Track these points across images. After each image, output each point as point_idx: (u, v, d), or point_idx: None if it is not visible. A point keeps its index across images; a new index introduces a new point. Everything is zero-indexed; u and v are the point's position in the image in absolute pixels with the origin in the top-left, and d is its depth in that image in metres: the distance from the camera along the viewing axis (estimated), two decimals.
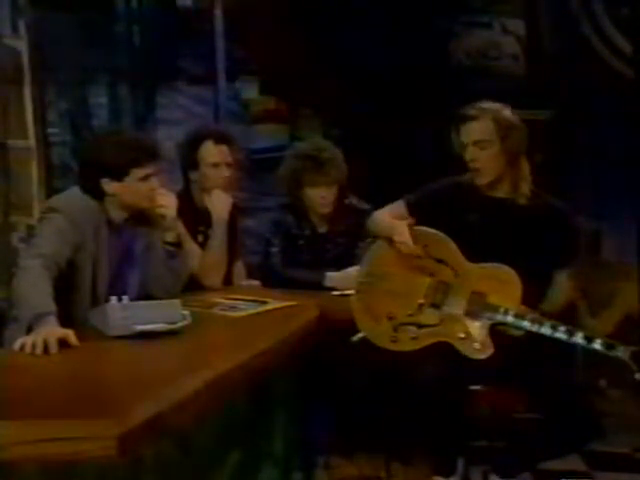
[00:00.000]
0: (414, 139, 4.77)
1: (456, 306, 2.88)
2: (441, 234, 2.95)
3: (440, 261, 2.93)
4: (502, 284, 2.83)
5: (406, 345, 2.88)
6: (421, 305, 2.90)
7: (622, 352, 2.64)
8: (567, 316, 2.93)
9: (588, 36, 4.89)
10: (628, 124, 4.53)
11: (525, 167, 3.01)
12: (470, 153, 2.97)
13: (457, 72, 5.04)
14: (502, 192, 3.01)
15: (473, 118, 2.97)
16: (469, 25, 5.13)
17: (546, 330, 2.73)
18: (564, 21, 4.95)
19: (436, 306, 2.90)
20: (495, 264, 2.86)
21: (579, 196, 4.60)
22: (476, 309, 2.84)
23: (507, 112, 3.00)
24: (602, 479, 3.74)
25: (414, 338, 2.88)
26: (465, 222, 2.99)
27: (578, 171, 4.79)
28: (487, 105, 3.00)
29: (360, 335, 2.94)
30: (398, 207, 3.12)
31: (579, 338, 2.70)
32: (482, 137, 2.95)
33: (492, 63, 5.09)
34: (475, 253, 2.90)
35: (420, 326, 2.89)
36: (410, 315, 2.90)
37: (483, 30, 5.12)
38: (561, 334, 2.72)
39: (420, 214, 3.04)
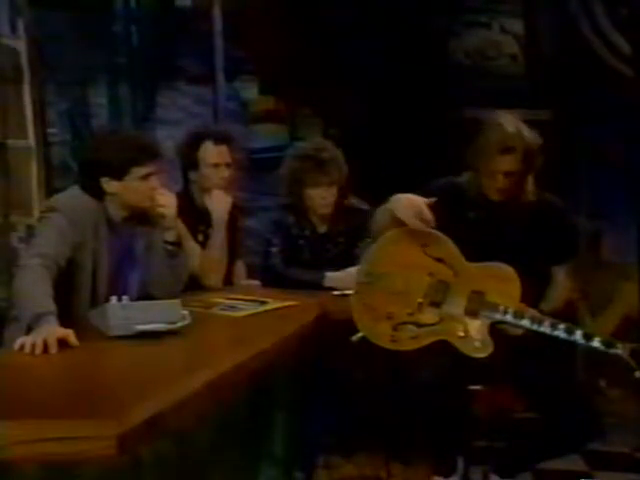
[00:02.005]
0: (414, 139, 4.77)
1: (456, 305, 2.88)
2: (439, 233, 2.95)
3: (439, 260, 2.93)
4: (501, 283, 2.83)
5: (406, 344, 2.88)
6: (420, 304, 2.90)
7: (621, 349, 2.64)
8: (567, 316, 2.93)
9: (587, 36, 4.89)
10: (628, 124, 4.53)
11: (531, 177, 3.01)
12: (500, 182, 2.95)
13: (456, 72, 5.04)
14: (503, 194, 3.01)
15: (511, 150, 2.92)
16: (468, 25, 5.13)
17: (545, 328, 2.74)
18: (563, 21, 4.95)
19: (436, 305, 2.90)
20: (494, 263, 2.86)
21: (579, 196, 4.60)
22: (476, 308, 2.84)
23: (533, 138, 2.97)
24: (602, 479, 3.74)
25: (414, 337, 2.88)
26: (464, 221, 2.99)
27: (578, 171, 4.79)
28: (515, 130, 2.94)
29: (360, 335, 2.94)
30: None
31: (578, 336, 2.70)
32: (513, 169, 2.93)
33: (491, 63, 5.09)
34: (475, 252, 2.90)
35: (420, 325, 2.89)
36: (410, 314, 2.90)
37: (482, 30, 5.12)
38: (560, 332, 2.72)
39: None
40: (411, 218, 2.90)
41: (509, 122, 2.98)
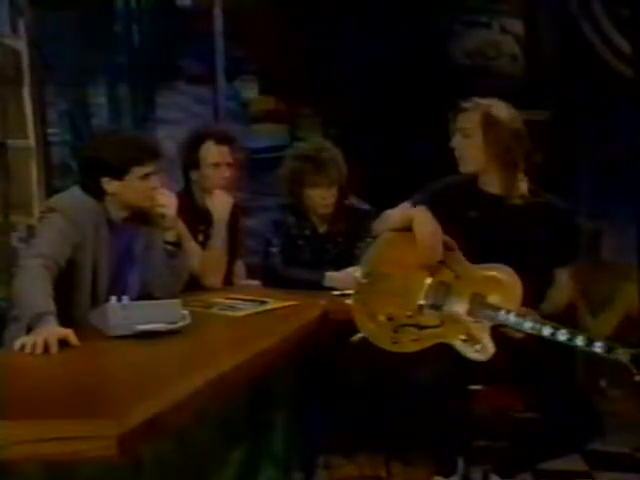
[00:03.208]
0: (413, 139, 4.77)
1: (457, 307, 2.87)
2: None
3: (440, 261, 2.93)
4: (502, 285, 2.82)
5: (407, 347, 2.87)
6: (421, 306, 2.90)
7: (622, 355, 2.64)
8: (567, 316, 2.92)
9: (587, 36, 4.88)
10: (628, 124, 4.53)
11: (521, 168, 3.02)
12: (455, 140, 3.02)
13: (456, 71, 5.04)
14: (498, 189, 3.02)
15: (464, 109, 3.03)
16: (468, 25, 5.13)
17: (547, 332, 2.73)
18: (563, 21, 4.95)
19: (436, 307, 2.89)
20: (495, 265, 2.85)
21: (579, 196, 4.60)
22: (477, 310, 2.83)
23: (500, 109, 3.02)
24: (602, 479, 3.74)
25: (415, 340, 2.87)
26: (466, 221, 2.99)
27: (578, 171, 4.79)
28: (482, 100, 3.05)
29: (360, 335, 2.93)
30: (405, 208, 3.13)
31: (579, 341, 2.69)
32: (466, 125, 3.01)
33: (491, 63, 5.09)
34: (476, 252, 2.89)
35: (420, 327, 2.88)
36: (410, 316, 2.89)
37: (482, 30, 5.12)
38: (562, 336, 2.71)
39: None
40: (427, 248, 2.91)
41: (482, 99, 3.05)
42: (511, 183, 3.00)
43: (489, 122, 2.99)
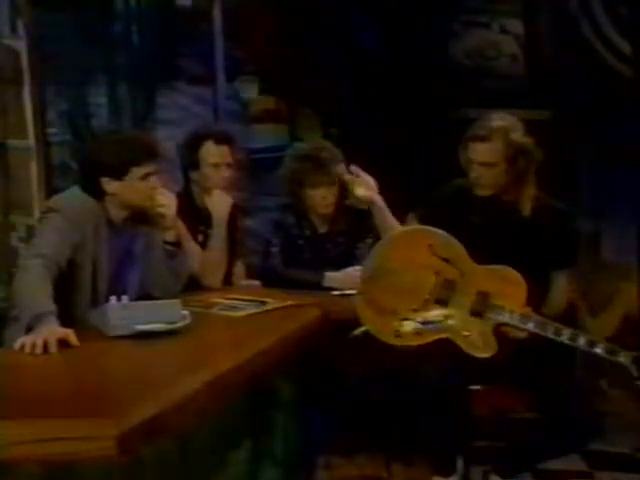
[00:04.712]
0: (413, 138, 4.77)
1: (461, 304, 2.88)
2: (446, 234, 2.95)
3: (445, 260, 2.93)
4: (507, 285, 2.83)
5: (410, 340, 2.88)
6: (426, 301, 2.90)
7: (624, 357, 2.65)
8: (568, 316, 2.93)
9: (587, 36, 4.89)
10: (628, 124, 4.53)
11: (532, 183, 3.02)
12: (476, 171, 2.99)
13: (455, 72, 5.04)
14: (505, 197, 3.03)
15: (484, 139, 2.98)
16: (468, 25, 5.13)
17: (549, 333, 2.73)
18: (563, 21, 4.95)
19: (441, 303, 2.90)
20: (501, 266, 2.86)
21: (579, 196, 4.60)
22: (481, 308, 2.84)
23: (518, 133, 3.00)
24: (602, 479, 3.74)
25: (418, 333, 2.88)
26: (468, 224, 3.00)
27: (578, 171, 4.79)
28: (499, 124, 3.00)
29: (361, 329, 2.93)
30: (410, 222, 3.15)
31: (582, 342, 2.70)
32: (489, 160, 2.98)
33: (491, 63, 5.09)
34: (478, 254, 2.90)
35: (424, 322, 2.89)
36: (415, 310, 2.90)
37: (482, 30, 5.12)
38: (564, 338, 2.72)
39: (430, 224, 3.04)
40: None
41: (497, 117, 3.00)
42: (521, 196, 3.01)
43: (513, 151, 2.96)
